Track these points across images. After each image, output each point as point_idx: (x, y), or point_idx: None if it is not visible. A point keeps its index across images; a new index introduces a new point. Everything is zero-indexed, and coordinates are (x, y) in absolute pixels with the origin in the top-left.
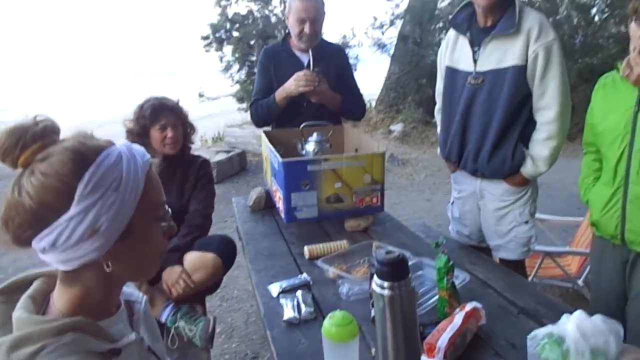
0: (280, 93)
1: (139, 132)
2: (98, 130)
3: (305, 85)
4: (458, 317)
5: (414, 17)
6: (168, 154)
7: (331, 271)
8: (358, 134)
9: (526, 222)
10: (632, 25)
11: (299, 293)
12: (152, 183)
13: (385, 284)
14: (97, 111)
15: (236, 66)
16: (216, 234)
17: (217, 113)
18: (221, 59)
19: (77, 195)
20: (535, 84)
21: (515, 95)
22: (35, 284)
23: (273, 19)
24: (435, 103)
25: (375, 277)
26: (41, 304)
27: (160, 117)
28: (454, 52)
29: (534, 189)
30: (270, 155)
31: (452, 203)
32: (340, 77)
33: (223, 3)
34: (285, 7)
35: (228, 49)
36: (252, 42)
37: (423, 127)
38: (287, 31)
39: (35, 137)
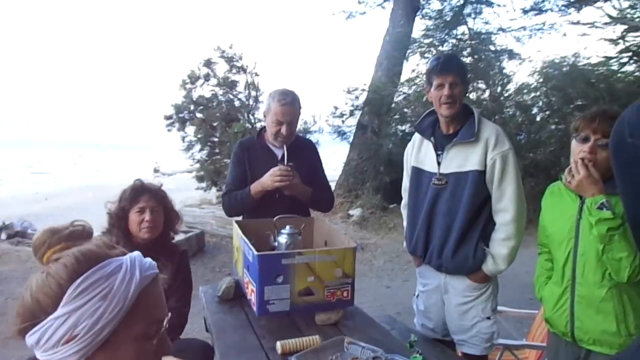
0: (256, 187)
1: (118, 215)
2: (45, 202)
3: (281, 180)
4: None
5: (372, 108)
6: (145, 239)
7: None
8: (327, 226)
9: (488, 318)
10: (573, 142)
11: None
12: (147, 299)
13: None
14: (47, 184)
15: (198, 146)
16: (196, 339)
17: (173, 189)
18: (183, 138)
19: (65, 297)
20: (493, 188)
21: (476, 196)
22: None
23: (237, 103)
24: (395, 191)
25: None
26: None
27: (140, 199)
28: (419, 153)
29: (494, 285)
30: (243, 247)
31: (417, 296)
32: (312, 170)
33: (188, 86)
34: (249, 93)
35: (190, 129)
36: (215, 124)
37: (381, 212)
38: (262, 125)
39: (60, 239)
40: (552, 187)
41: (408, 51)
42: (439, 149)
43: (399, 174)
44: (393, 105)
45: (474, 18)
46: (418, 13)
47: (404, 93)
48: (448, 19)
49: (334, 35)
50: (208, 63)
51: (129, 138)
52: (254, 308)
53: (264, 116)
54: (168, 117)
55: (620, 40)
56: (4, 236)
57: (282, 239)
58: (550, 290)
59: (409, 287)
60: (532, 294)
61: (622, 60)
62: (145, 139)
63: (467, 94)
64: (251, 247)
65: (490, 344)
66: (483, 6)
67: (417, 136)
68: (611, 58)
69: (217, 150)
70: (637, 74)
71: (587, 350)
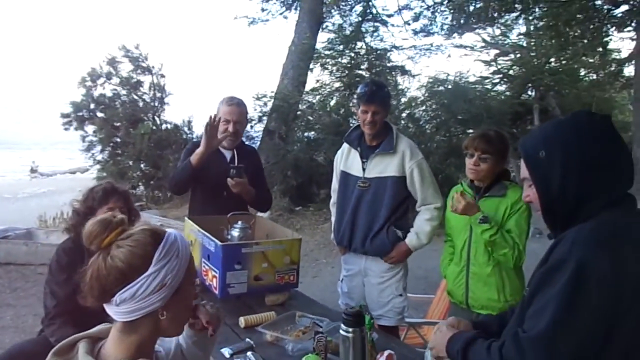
0: (194, 156)
1: (85, 212)
2: None
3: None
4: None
5: (280, 115)
6: None
7: (269, 335)
8: (267, 222)
9: (400, 295)
10: (466, 158)
11: (249, 354)
12: (191, 257)
13: (350, 329)
14: None
15: (99, 146)
16: None
17: (53, 191)
18: (84, 138)
19: (154, 259)
20: (417, 190)
21: (396, 197)
22: (85, 344)
23: (141, 104)
24: (300, 195)
25: (342, 325)
26: (96, 357)
27: (110, 200)
28: (347, 160)
29: (405, 269)
30: (202, 240)
31: (342, 280)
32: (255, 174)
33: (88, 84)
34: (154, 94)
35: (90, 128)
36: (117, 124)
37: (288, 214)
38: None
39: (117, 225)
40: (454, 190)
41: (312, 62)
42: (364, 157)
43: (304, 178)
44: (299, 112)
45: (371, 35)
46: (321, 26)
47: (309, 102)
48: (347, 34)
49: (240, 40)
50: (112, 61)
51: None
52: (216, 292)
53: None
54: (65, 115)
55: (493, 63)
56: None
57: (235, 232)
58: (452, 269)
59: (318, 282)
60: (425, 284)
61: (494, 81)
62: (19, 137)
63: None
64: (213, 239)
65: (402, 316)
66: (379, 24)
67: (345, 146)
68: (486, 78)
69: (119, 151)
70: (507, 93)
71: (477, 313)
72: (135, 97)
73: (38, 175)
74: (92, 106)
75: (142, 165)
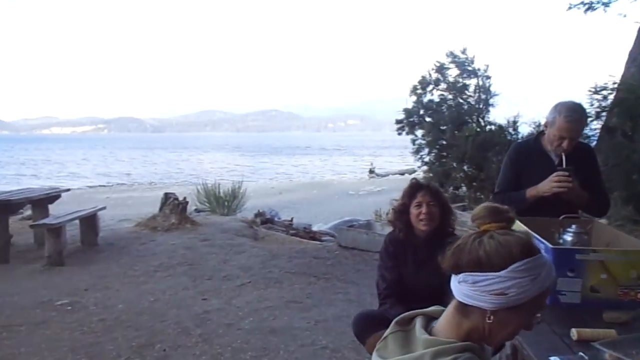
0: (532, 192)
1: (400, 210)
2: (280, 196)
3: (559, 187)
4: None
5: (624, 109)
6: (423, 230)
7: (609, 355)
8: (609, 229)
9: None
10: None
11: None
12: (546, 294)
13: None
14: (280, 180)
15: (427, 149)
16: None
17: (387, 190)
18: (414, 141)
19: (511, 268)
20: None
21: None
22: (421, 319)
23: (466, 107)
24: None
25: None
26: (429, 333)
27: (417, 194)
28: None
29: None
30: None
31: None
32: (588, 175)
33: (419, 92)
34: (479, 96)
35: (419, 132)
36: (443, 128)
37: (632, 226)
38: (541, 129)
39: (503, 219)
40: None
41: None
42: None
43: None
44: None
45: None
46: None
47: None
48: None
49: (572, 31)
50: (440, 68)
51: (341, 142)
52: None
53: (545, 126)
54: (399, 122)
55: None
56: (258, 221)
57: (569, 237)
58: None
59: None
60: None
61: None
62: (360, 143)
63: None
64: (544, 240)
65: None
66: None
67: None
68: None
69: (444, 153)
70: None
71: None
72: (461, 100)
73: (375, 176)
74: (421, 112)
75: (465, 167)
